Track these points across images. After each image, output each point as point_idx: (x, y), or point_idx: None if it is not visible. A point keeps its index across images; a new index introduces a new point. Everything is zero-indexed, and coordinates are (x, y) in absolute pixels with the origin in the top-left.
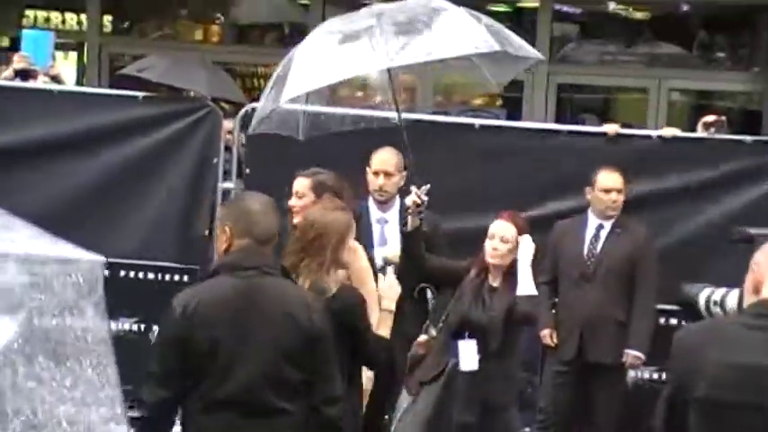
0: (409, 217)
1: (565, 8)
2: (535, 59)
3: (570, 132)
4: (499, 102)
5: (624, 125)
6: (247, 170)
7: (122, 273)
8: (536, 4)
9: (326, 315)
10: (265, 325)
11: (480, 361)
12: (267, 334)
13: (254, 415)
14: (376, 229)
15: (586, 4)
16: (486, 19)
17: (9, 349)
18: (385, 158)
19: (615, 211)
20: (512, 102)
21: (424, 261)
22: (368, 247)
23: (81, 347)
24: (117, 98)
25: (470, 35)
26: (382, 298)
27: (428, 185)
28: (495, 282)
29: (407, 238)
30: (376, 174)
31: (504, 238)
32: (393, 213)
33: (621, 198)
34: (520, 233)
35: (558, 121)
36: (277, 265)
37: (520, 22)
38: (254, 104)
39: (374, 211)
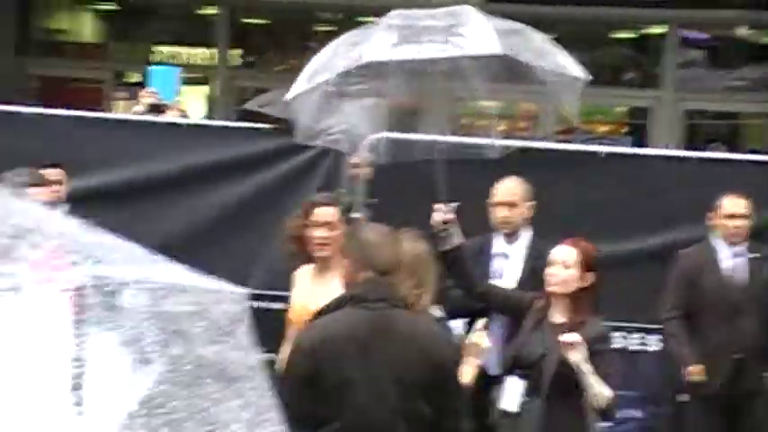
0: (444, 236)
1: (692, 35)
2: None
3: (700, 160)
4: (624, 129)
5: (752, 152)
6: (374, 201)
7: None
8: (662, 30)
9: (456, 348)
10: (397, 358)
11: (527, 402)
12: (399, 368)
13: None
14: (495, 263)
15: (714, 30)
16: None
17: (179, 372)
18: (509, 188)
19: (739, 238)
20: (637, 129)
21: (474, 283)
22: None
23: (242, 372)
24: (242, 131)
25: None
26: (466, 348)
27: (456, 203)
28: (556, 316)
29: (446, 257)
30: (499, 204)
31: (565, 263)
32: (518, 247)
33: (746, 224)
34: (587, 262)
35: (685, 148)
36: (402, 297)
37: (645, 48)
38: (379, 135)
39: (497, 245)
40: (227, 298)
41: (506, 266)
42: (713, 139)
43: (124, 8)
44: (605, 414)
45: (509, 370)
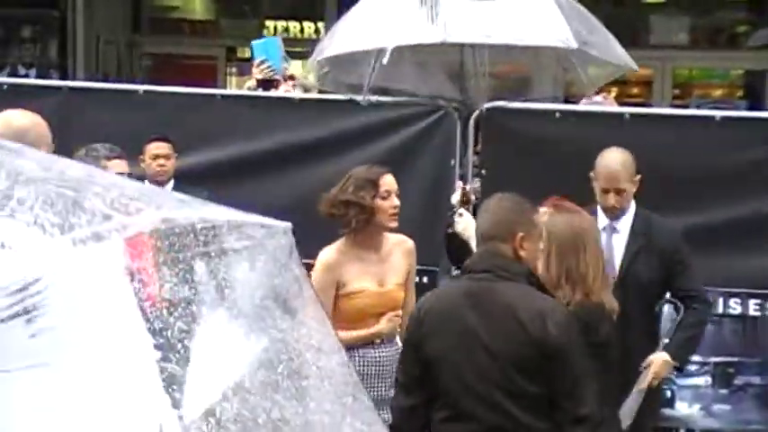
0: (456, 216)
1: None
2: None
3: None
4: (740, 93)
5: None
6: (483, 171)
7: None
8: None
9: (573, 326)
10: (492, 332)
11: None
12: (495, 342)
13: (498, 429)
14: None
15: None
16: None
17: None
18: (615, 172)
19: None
20: (753, 92)
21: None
22: None
23: (302, 303)
24: (353, 104)
25: (551, 27)
26: None
27: (477, 183)
28: None
29: (455, 239)
30: (605, 191)
31: None
32: (626, 222)
33: None
34: None
35: None
36: (519, 269)
37: (760, 9)
38: (490, 104)
39: (602, 219)
40: (278, 231)
41: (616, 241)
42: None
43: None
44: None
45: None
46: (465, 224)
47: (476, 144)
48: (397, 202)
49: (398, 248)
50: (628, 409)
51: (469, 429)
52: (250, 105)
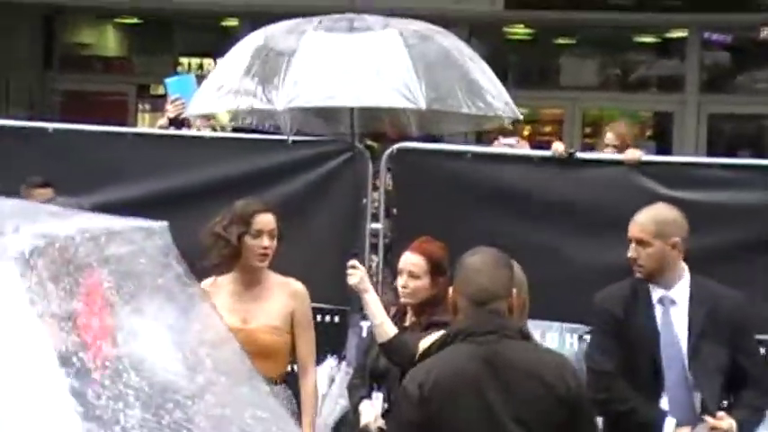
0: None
1: (714, 36)
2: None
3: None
4: (649, 133)
5: None
6: (395, 210)
7: None
8: (684, 34)
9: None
10: (516, 396)
11: (387, 414)
12: (520, 407)
13: None
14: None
15: (737, 32)
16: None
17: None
18: (635, 220)
19: None
20: (661, 134)
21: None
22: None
23: (189, 300)
24: (267, 143)
25: (397, 86)
26: None
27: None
28: (408, 322)
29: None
30: (629, 240)
31: (412, 273)
32: (681, 290)
33: None
34: (433, 264)
35: (710, 153)
36: (516, 327)
37: (668, 51)
38: (402, 144)
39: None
40: (155, 232)
41: (676, 314)
42: (739, 141)
43: (148, 22)
44: None
45: (371, 387)
46: (360, 277)
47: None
48: (267, 242)
49: (281, 290)
50: None
51: None
52: (161, 143)
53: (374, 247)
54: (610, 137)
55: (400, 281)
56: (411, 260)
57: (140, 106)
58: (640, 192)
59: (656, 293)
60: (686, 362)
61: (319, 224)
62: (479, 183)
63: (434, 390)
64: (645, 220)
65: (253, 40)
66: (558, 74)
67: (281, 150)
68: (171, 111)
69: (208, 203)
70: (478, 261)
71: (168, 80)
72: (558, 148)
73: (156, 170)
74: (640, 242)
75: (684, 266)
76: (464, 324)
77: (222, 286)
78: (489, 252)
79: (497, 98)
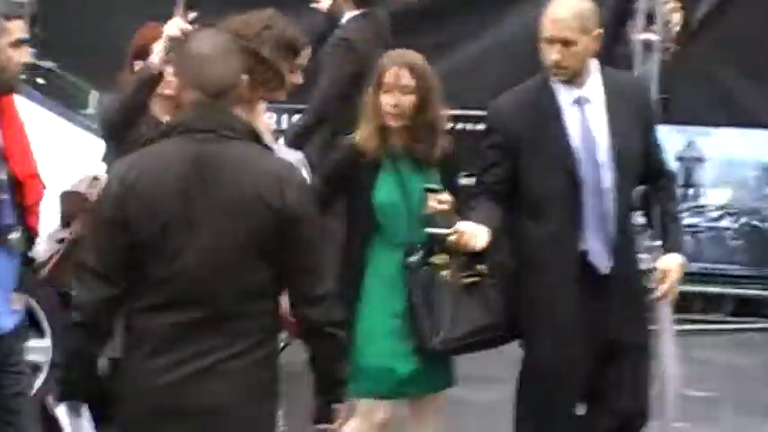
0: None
1: None
2: None
3: None
4: None
5: None
6: None
7: None
8: None
9: (308, 192)
10: (222, 203)
11: None
12: (225, 215)
13: (209, 318)
14: (571, 113)
15: None
16: None
17: None
18: (556, 19)
19: None
20: None
21: None
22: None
23: None
24: None
25: None
26: None
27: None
28: None
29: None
30: (550, 41)
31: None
32: (593, 86)
33: None
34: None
35: None
36: (243, 126)
37: None
38: None
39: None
40: None
41: (590, 113)
42: None
43: None
44: None
45: None
46: None
47: None
48: None
49: None
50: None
51: (175, 319)
52: None
53: None
54: None
55: None
56: None
57: None
58: None
59: (570, 95)
60: (607, 173)
61: None
62: None
63: (136, 187)
64: (566, 15)
65: None
66: None
67: None
68: None
69: None
70: (215, 48)
71: None
72: None
73: None
74: (566, 42)
75: (594, 59)
76: (183, 117)
77: None
78: (224, 38)
79: None
